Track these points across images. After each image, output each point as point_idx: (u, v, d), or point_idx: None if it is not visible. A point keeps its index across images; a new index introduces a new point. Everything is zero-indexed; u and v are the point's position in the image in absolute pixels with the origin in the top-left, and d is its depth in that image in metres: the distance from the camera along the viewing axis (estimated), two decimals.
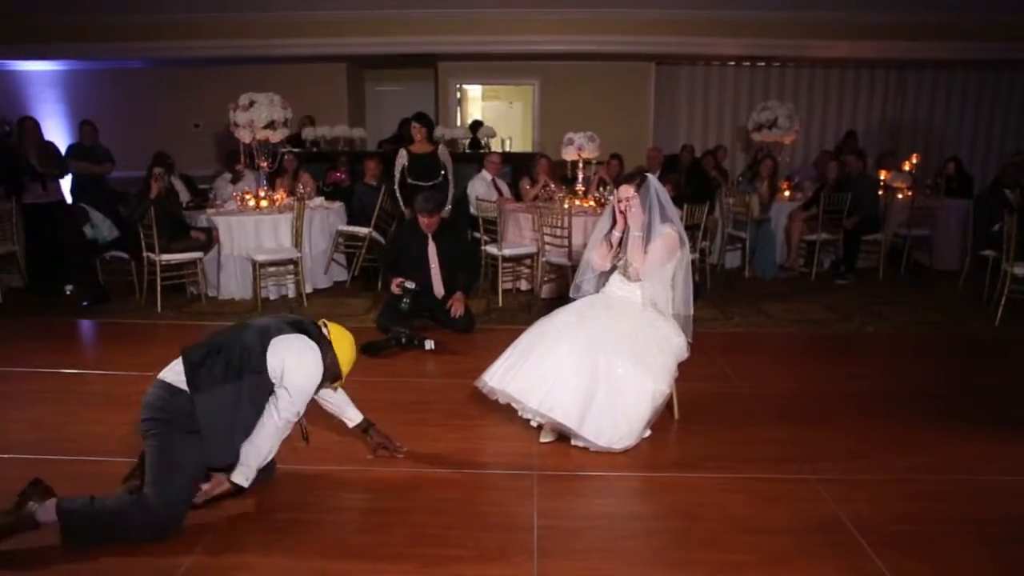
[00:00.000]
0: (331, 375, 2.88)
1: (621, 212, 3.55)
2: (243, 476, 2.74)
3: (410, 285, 5.09)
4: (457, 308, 5.20)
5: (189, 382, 2.63)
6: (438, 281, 5.33)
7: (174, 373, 2.69)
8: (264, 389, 2.73)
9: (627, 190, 3.54)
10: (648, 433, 3.44)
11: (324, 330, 2.88)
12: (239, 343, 2.73)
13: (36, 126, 6.77)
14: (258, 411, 2.73)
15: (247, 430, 2.73)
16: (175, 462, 2.60)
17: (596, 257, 3.70)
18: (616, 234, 3.62)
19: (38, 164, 6.56)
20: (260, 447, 2.74)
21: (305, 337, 2.78)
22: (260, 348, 2.71)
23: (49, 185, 6.72)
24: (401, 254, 5.39)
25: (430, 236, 5.31)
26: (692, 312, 3.62)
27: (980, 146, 10.51)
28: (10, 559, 2.49)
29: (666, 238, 3.51)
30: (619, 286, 3.65)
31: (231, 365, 2.67)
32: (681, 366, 3.53)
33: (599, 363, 3.30)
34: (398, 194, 6.55)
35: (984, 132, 10.49)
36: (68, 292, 6.35)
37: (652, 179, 3.59)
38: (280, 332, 2.76)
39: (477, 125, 9.67)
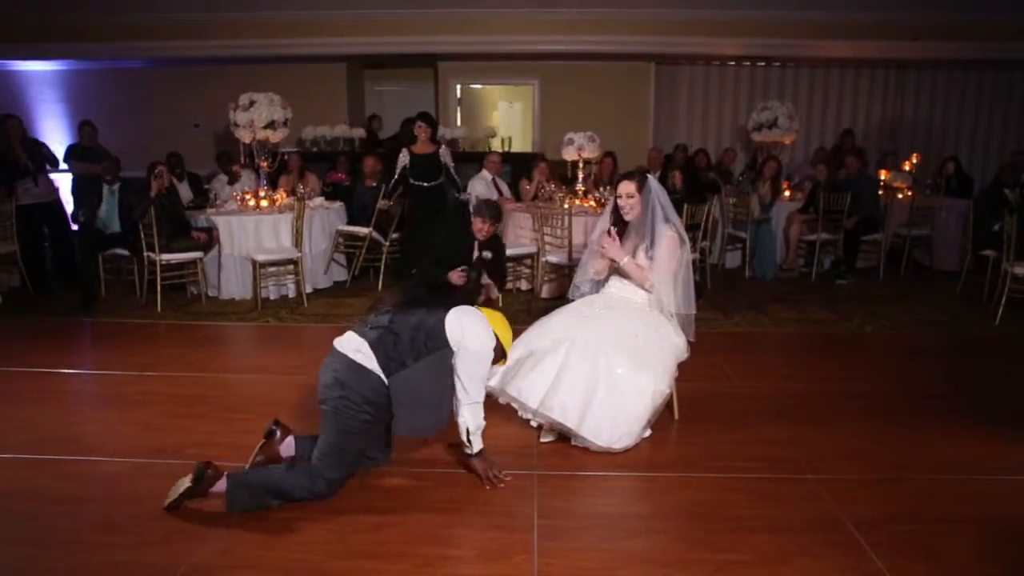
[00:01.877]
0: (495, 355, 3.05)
1: (621, 209, 3.58)
2: (476, 443, 3.03)
3: (476, 271, 4.84)
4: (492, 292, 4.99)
5: (383, 368, 2.82)
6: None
7: (363, 356, 2.84)
8: (449, 361, 2.90)
9: (628, 186, 3.55)
10: (648, 433, 3.45)
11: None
12: (416, 323, 2.92)
13: (19, 123, 6.76)
14: (445, 382, 2.92)
15: (437, 401, 2.93)
16: (348, 449, 2.85)
17: (591, 270, 3.73)
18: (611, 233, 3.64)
19: (27, 159, 6.57)
20: (466, 420, 2.97)
21: (471, 308, 3.00)
22: (439, 324, 2.90)
23: (40, 180, 6.72)
24: (445, 247, 5.07)
25: (477, 244, 5.06)
26: (695, 311, 3.63)
27: (980, 146, 10.50)
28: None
29: (668, 241, 3.53)
30: (618, 286, 3.66)
31: (416, 345, 2.86)
32: (681, 366, 3.54)
33: (599, 363, 3.30)
34: (391, 191, 6.55)
35: (984, 132, 10.49)
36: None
37: (652, 179, 3.60)
38: (454, 305, 2.98)
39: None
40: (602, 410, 3.27)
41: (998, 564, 2.52)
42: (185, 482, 2.77)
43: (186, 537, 2.63)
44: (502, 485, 3.02)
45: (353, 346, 2.88)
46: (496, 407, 3.56)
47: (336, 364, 2.87)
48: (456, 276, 4.81)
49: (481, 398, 2.98)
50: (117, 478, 3.10)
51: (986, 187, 7.40)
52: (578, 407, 3.26)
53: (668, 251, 3.52)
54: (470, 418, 2.97)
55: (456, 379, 2.92)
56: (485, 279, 4.96)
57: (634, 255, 3.60)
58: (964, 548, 2.60)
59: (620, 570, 2.47)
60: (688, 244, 3.68)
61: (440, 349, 2.88)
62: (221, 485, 2.78)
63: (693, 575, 2.45)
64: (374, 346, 2.85)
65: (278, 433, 3.05)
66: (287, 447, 3.04)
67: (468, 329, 2.90)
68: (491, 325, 3.00)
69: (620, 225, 3.64)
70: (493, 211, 5.06)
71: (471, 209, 5.08)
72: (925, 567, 2.49)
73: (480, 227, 5.00)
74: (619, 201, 3.58)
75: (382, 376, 2.83)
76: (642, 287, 3.58)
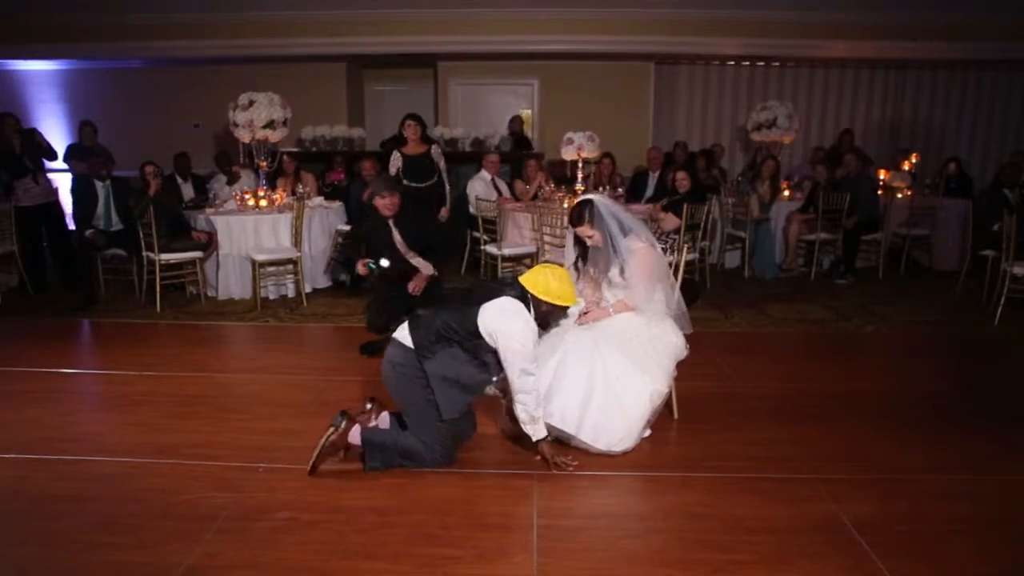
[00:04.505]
0: (548, 319, 3.13)
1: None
2: (534, 433, 3.12)
3: (376, 264, 4.63)
4: (415, 285, 4.70)
5: (417, 352, 3.04)
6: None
7: (405, 338, 3.09)
8: (482, 349, 3.05)
9: (584, 230, 3.48)
10: (648, 433, 3.45)
11: (520, 287, 3.09)
12: (453, 314, 3.09)
13: (16, 122, 6.74)
14: (478, 368, 3.09)
15: (472, 385, 3.12)
16: (429, 419, 3.10)
17: (588, 292, 3.66)
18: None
19: (26, 157, 6.56)
20: (524, 406, 3.07)
21: (507, 299, 3.04)
22: (471, 317, 3.03)
23: (40, 180, 6.71)
24: (368, 242, 4.86)
25: (391, 222, 4.79)
26: (684, 308, 3.61)
27: (980, 146, 10.51)
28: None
29: (638, 255, 3.45)
30: (612, 292, 3.63)
31: (447, 334, 3.04)
32: (680, 366, 3.53)
33: (596, 365, 3.30)
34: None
35: (984, 132, 10.49)
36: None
37: (598, 201, 3.51)
38: (484, 300, 3.05)
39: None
40: (600, 413, 3.27)
41: (997, 564, 2.52)
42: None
43: (185, 537, 2.63)
44: (569, 470, 3.12)
45: (403, 332, 3.13)
46: (496, 407, 3.57)
47: (391, 349, 3.14)
48: (360, 267, 4.66)
49: (528, 388, 3.03)
50: (117, 478, 3.10)
51: (986, 187, 7.39)
52: (576, 411, 3.26)
53: (641, 268, 3.45)
54: (520, 409, 3.07)
55: (507, 372, 3.05)
56: (418, 261, 4.78)
57: (608, 279, 3.54)
58: (964, 548, 2.60)
59: (620, 570, 2.47)
60: (658, 245, 3.59)
61: (469, 341, 3.04)
62: (356, 437, 3.11)
63: (693, 575, 2.45)
64: (411, 328, 3.09)
65: (344, 423, 3.12)
66: (353, 436, 3.14)
67: (500, 330, 2.98)
68: (544, 278, 3.05)
69: (585, 254, 3.61)
70: (386, 184, 4.82)
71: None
72: (925, 567, 2.49)
73: (382, 203, 4.73)
74: (587, 242, 3.54)
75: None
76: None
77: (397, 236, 4.79)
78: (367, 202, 4.99)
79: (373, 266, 4.60)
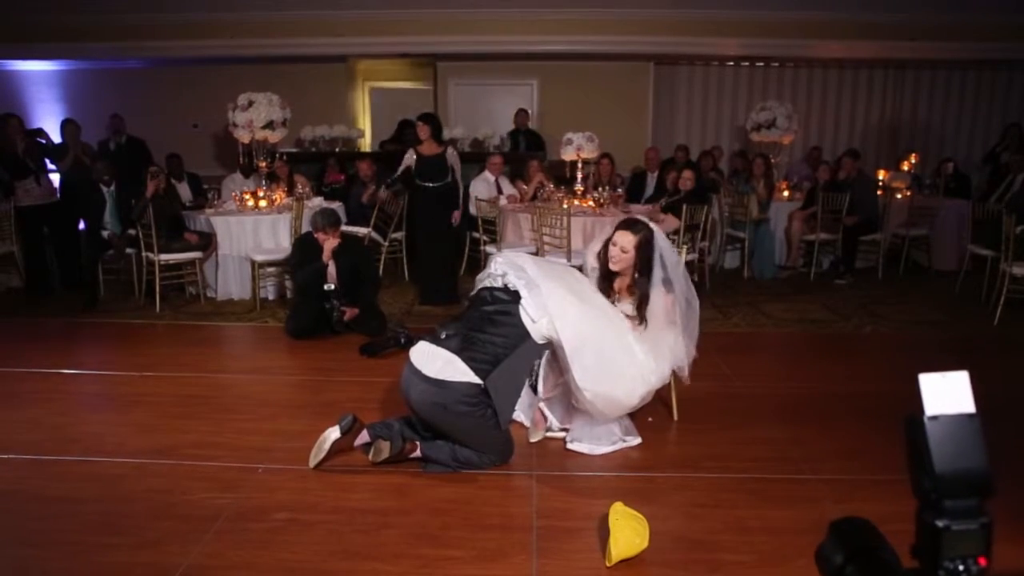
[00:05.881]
0: None
1: (611, 258, 3.31)
2: None
3: (328, 286, 5.10)
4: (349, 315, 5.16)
5: (475, 371, 2.96)
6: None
7: (447, 370, 2.96)
8: (531, 349, 3.10)
9: (625, 237, 3.25)
10: (638, 441, 3.43)
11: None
12: (489, 325, 3.06)
13: (20, 123, 6.72)
14: (523, 375, 3.20)
15: (523, 382, 3.24)
16: (490, 435, 3.10)
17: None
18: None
19: (28, 158, 6.54)
20: None
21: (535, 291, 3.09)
22: (518, 320, 3.06)
23: (42, 180, 6.70)
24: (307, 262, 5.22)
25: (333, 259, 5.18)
26: (692, 355, 3.43)
27: (979, 146, 10.50)
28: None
29: (660, 298, 3.30)
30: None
31: (497, 346, 3.02)
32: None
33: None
34: (390, 183, 6.56)
35: (983, 132, 10.48)
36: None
37: (659, 235, 3.30)
38: (515, 302, 3.09)
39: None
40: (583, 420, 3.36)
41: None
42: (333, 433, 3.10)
43: (184, 537, 2.63)
44: None
45: (436, 365, 2.98)
46: None
47: (423, 387, 2.98)
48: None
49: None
50: (116, 479, 3.10)
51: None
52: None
53: (663, 313, 3.29)
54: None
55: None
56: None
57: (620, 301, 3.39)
58: None
59: (619, 570, 2.47)
60: (674, 293, 3.32)
61: (521, 343, 3.06)
62: (364, 437, 3.11)
63: (693, 575, 2.44)
64: (459, 354, 2.98)
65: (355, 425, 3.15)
66: (362, 437, 3.15)
67: (554, 311, 3.04)
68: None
69: (607, 274, 3.38)
70: (328, 219, 5.13)
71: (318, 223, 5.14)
72: None
73: (323, 239, 5.09)
74: (611, 249, 3.30)
75: (472, 380, 2.95)
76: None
77: (332, 270, 5.15)
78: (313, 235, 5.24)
79: (328, 287, 5.06)
